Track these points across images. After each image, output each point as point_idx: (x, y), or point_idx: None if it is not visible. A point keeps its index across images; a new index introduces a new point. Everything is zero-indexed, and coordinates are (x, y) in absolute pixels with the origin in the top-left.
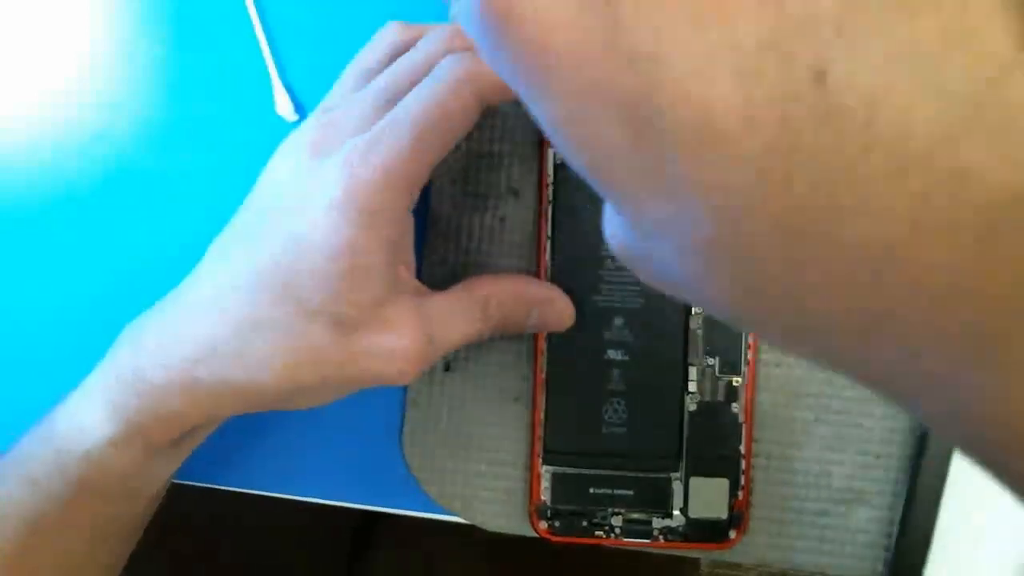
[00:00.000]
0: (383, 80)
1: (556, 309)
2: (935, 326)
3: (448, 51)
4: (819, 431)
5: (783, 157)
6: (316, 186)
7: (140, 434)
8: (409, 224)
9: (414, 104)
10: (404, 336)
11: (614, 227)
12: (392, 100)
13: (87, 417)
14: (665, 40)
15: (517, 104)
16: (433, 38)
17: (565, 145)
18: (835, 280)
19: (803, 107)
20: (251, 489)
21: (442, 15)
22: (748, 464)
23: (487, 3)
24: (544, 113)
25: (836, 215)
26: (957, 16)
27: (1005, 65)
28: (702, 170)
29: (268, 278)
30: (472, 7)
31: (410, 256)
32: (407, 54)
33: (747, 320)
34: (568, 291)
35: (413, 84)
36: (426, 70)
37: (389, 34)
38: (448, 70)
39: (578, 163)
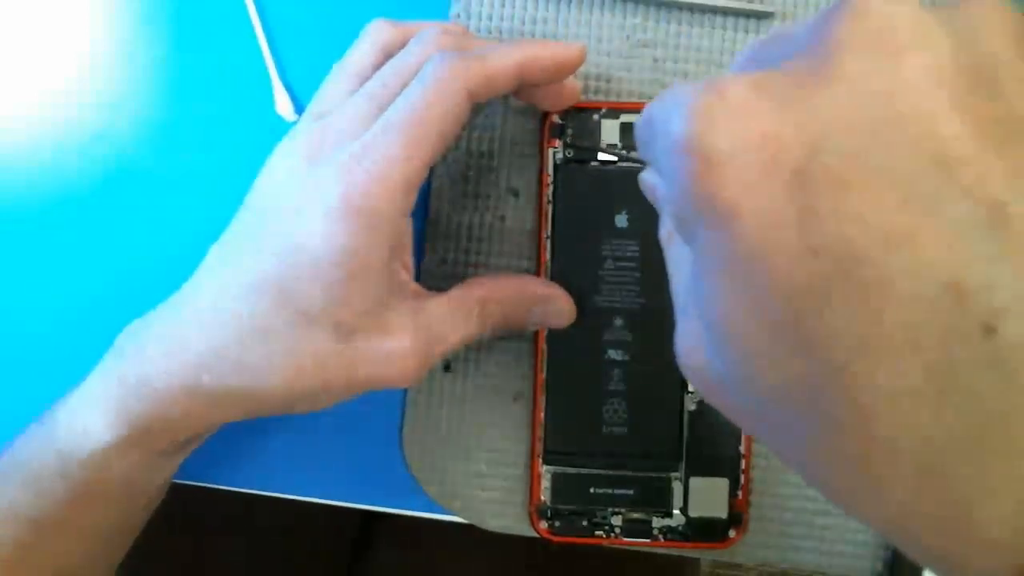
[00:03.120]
0: (375, 84)
1: (557, 307)
2: None
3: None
4: None
5: (940, 387)
6: (313, 193)
7: (142, 439)
8: (408, 226)
9: (405, 107)
10: (404, 340)
11: (694, 352)
12: (385, 104)
13: (89, 420)
14: (855, 248)
15: (516, 103)
16: (424, 40)
17: (707, 293)
18: (974, 498)
19: (968, 348)
20: (251, 489)
21: (435, 13)
22: (748, 464)
23: (688, 148)
24: (701, 261)
25: (980, 454)
26: None
27: None
28: (857, 372)
29: (268, 285)
30: (671, 142)
31: (409, 258)
32: (398, 56)
33: (845, 508)
34: (568, 291)
35: (404, 88)
36: (416, 74)
37: (376, 33)
38: (435, 70)
39: (715, 312)
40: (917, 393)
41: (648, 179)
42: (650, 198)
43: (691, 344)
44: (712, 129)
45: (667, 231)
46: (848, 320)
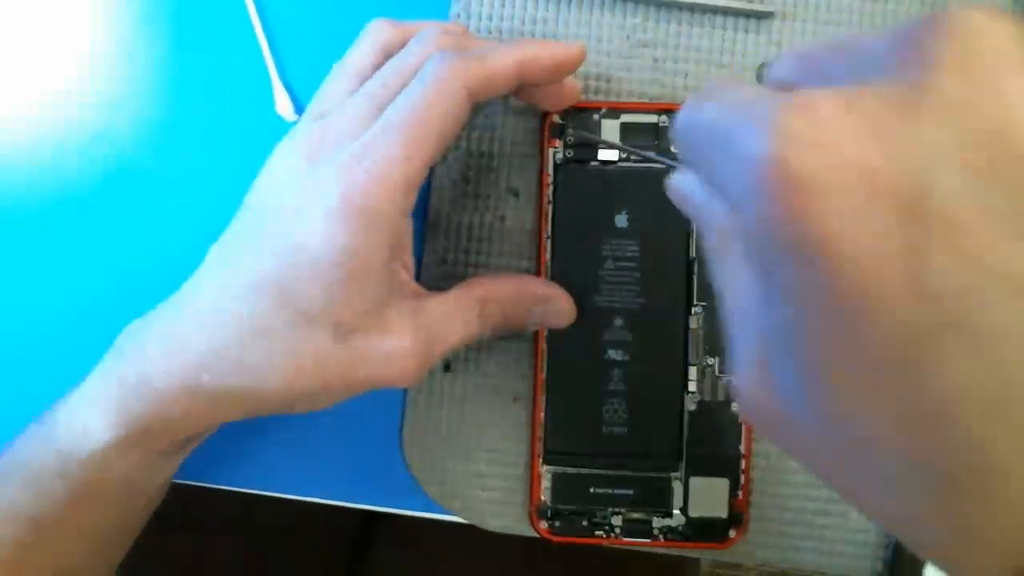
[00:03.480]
0: (375, 84)
1: (557, 306)
2: None
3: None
4: None
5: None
6: (313, 193)
7: (142, 439)
8: (408, 226)
9: (404, 106)
10: (403, 340)
11: (758, 386)
12: (384, 104)
13: (89, 420)
14: (967, 293)
15: (516, 103)
16: (423, 39)
17: (794, 333)
18: None
19: None
20: (251, 489)
21: (435, 13)
22: (748, 464)
23: (781, 183)
24: (785, 295)
25: None
26: None
27: None
28: (982, 441)
29: (268, 285)
30: (755, 180)
31: (409, 258)
32: (398, 56)
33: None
34: (568, 291)
35: (404, 88)
36: (416, 74)
37: (376, 32)
38: (435, 69)
39: (806, 350)
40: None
41: (683, 187)
42: (684, 207)
43: (754, 376)
44: (805, 154)
45: (718, 244)
46: (965, 373)
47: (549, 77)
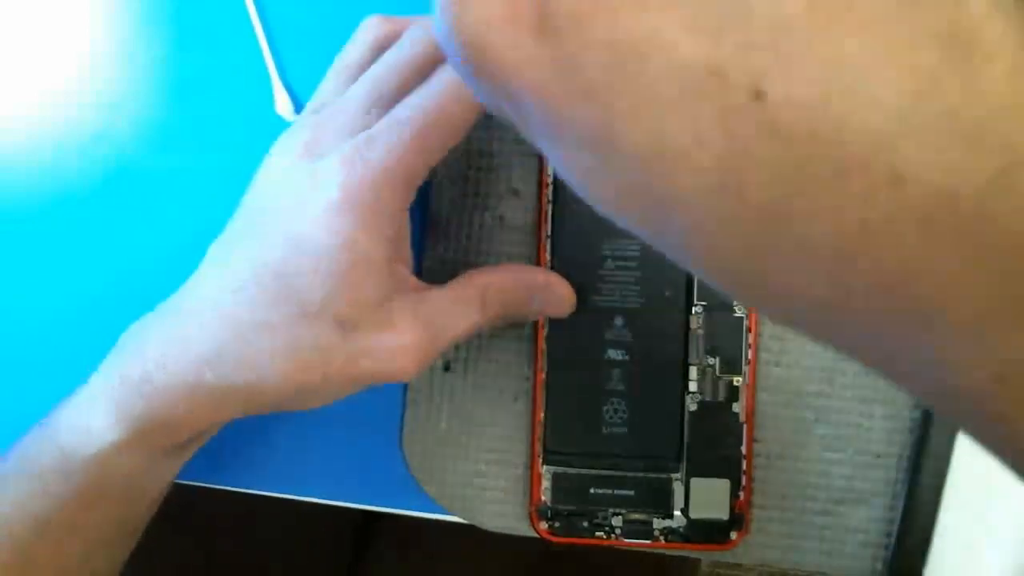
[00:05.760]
0: (370, 77)
1: (556, 294)
2: (888, 313)
3: (432, 43)
4: (819, 431)
5: (735, 169)
6: (313, 187)
7: (146, 438)
8: (406, 221)
9: (417, 104)
10: (404, 333)
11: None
12: (380, 97)
13: (92, 420)
14: (612, 74)
15: None
16: (416, 32)
17: (552, 162)
18: (795, 271)
19: (748, 123)
20: (251, 489)
21: (427, 6)
22: (749, 464)
23: (456, 34)
24: (526, 137)
25: (790, 218)
26: (879, 31)
27: (930, 75)
28: (666, 184)
29: (268, 280)
30: (444, 37)
31: (408, 251)
32: (391, 49)
33: (737, 298)
34: None
35: (400, 80)
36: (411, 66)
37: (371, 28)
38: (452, 73)
39: (562, 176)
40: (721, 185)
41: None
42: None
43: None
44: (466, 7)
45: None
46: (639, 139)
47: None
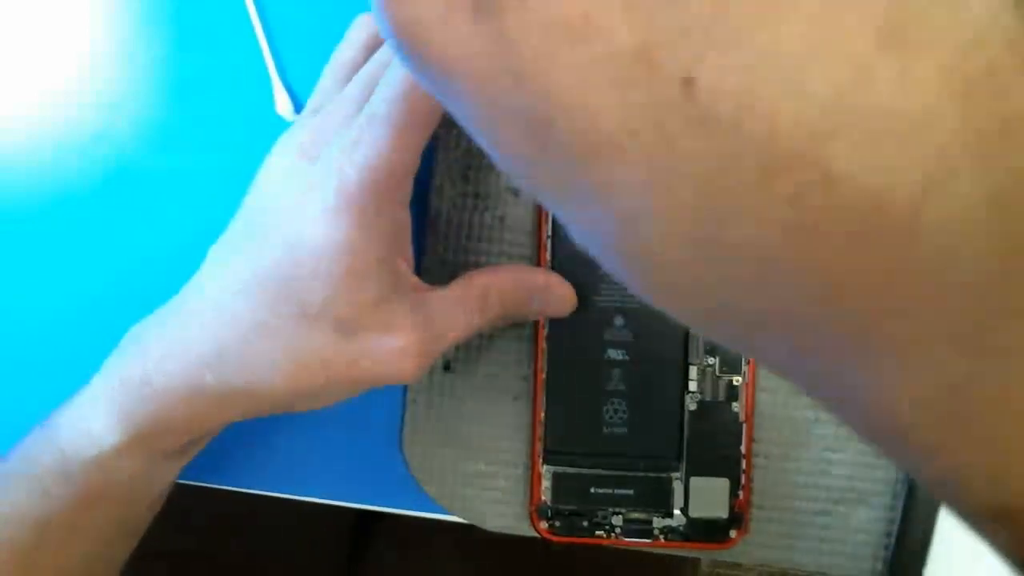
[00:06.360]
0: (363, 77)
1: (557, 294)
2: (814, 326)
3: None
4: (819, 431)
5: (664, 162)
6: (310, 189)
7: (147, 440)
8: (405, 217)
9: (386, 95)
10: (405, 335)
11: None
12: None
13: (93, 422)
14: (546, 56)
15: None
16: None
17: (485, 148)
18: (723, 279)
19: (676, 114)
20: (251, 489)
21: None
22: (748, 464)
23: (395, 27)
24: (464, 124)
25: (716, 218)
26: (817, 20)
27: (865, 66)
28: (598, 174)
29: (268, 283)
30: (385, 32)
31: (409, 251)
32: (384, 47)
33: (668, 310)
34: None
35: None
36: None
37: (363, 26)
38: None
39: (496, 163)
40: (649, 179)
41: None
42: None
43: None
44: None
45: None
46: (571, 127)
47: None
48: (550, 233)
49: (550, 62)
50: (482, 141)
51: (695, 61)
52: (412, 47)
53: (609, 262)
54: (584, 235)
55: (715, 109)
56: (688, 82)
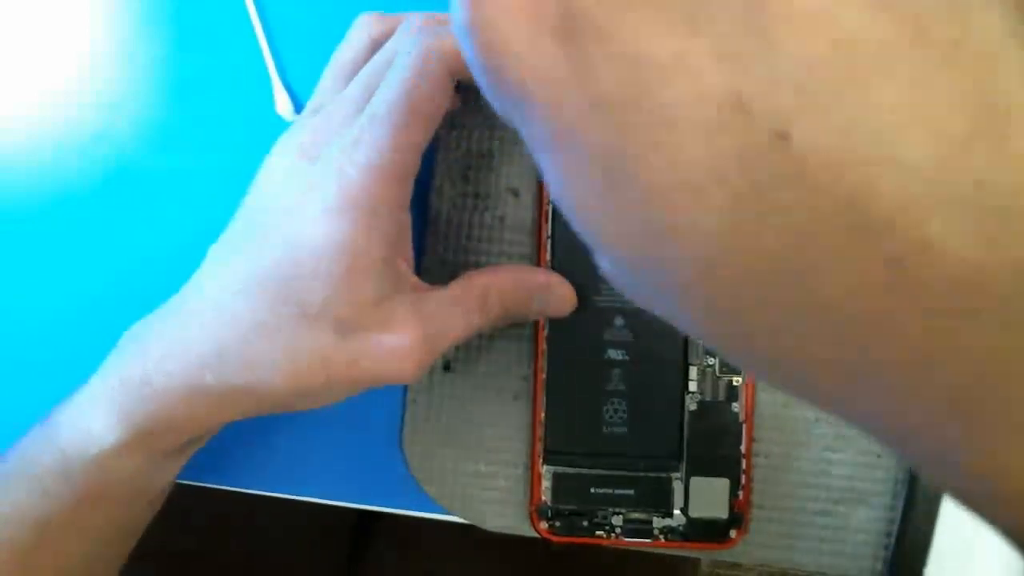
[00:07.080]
0: (364, 77)
1: (557, 294)
2: (918, 388)
3: (424, 39)
4: (819, 431)
5: (752, 211)
6: (310, 189)
7: (146, 440)
8: (406, 218)
9: (386, 95)
10: (405, 335)
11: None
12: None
13: (93, 422)
14: (630, 90)
15: None
16: (408, 28)
17: (548, 178)
18: (813, 331)
19: (768, 165)
20: (251, 489)
21: (427, 6)
22: (748, 464)
23: (477, 46)
24: (531, 148)
25: (809, 270)
26: (912, 87)
27: (961, 143)
28: (675, 216)
29: (269, 282)
30: (466, 49)
31: (409, 251)
32: (385, 47)
33: (731, 354)
34: None
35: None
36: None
37: (364, 27)
38: (412, 52)
39: (557, 195)
40: (735, 226)
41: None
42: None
43: None
44: (483, 6)
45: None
46: (652, 165)
47: None
48: (550, 233)
49: (634, 98)
50: (547, 168)
51: (790, 115)
52: (492, 66)
53: (666, 305)
54: (633, 277)
55: (810, 166)
56: (782, 135)
